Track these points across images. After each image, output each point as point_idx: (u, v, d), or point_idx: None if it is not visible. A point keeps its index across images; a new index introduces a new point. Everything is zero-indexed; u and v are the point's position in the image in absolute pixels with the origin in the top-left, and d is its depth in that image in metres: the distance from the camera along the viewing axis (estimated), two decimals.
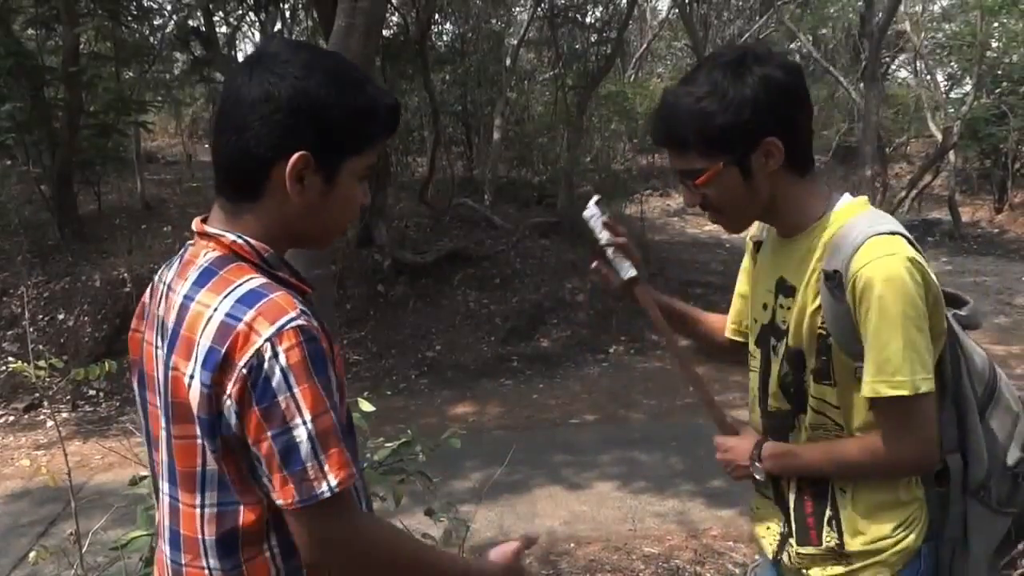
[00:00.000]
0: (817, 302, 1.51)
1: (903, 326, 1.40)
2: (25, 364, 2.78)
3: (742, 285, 1.86)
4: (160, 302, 1.28)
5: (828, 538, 1.59)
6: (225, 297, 1.15)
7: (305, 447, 1.09)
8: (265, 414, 1.09)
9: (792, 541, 1.67)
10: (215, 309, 1.14)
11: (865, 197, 1.60)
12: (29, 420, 6.80)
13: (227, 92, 1.21)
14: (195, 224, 1.27)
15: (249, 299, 1.14)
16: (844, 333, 1.47)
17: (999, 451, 1.59)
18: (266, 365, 1.09)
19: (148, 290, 1.39)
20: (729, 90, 1.45)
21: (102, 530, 2.79)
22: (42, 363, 2.79)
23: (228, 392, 1.10)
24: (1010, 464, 1.60)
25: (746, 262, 1.84)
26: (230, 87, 1.21)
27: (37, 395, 6.77)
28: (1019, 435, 1.61)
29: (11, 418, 6.82)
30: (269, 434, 1.09)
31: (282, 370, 1.09)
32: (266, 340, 1.10)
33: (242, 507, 1.17)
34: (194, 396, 1.14)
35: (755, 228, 1.79)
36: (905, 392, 1.41)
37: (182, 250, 1.30)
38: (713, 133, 1.47)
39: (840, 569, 1.59)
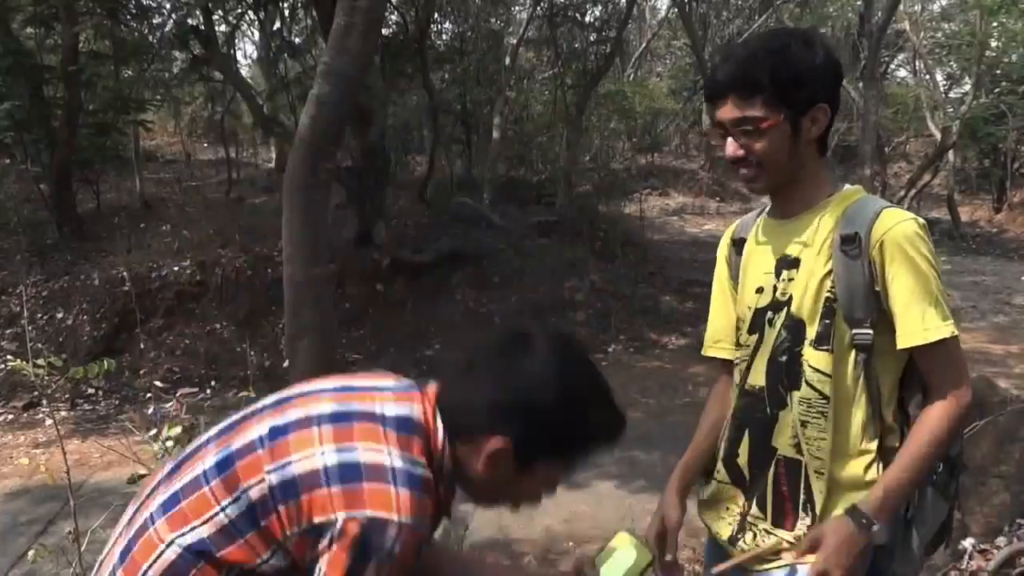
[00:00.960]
0: (828, 267, 1.58)
1: (934, 278, 1.54)
2: (24, 363, 2.78)
3: (718, 298, 1.87)
4: (321, 385, 1.34)
5: (801, 526, 1.61)
6: (342, 451, 1.18)
7: None
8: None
9: (760, 522, 1.68)
10: (324, 453, 1.18)
11: (860, 186, 1.72)
12: (28, 419, 6.79)
13: (489, 344, 1.34)
14: (431, 393, 1.33)
15: (352, 472, 1.17)
16: (854, 296, 1.56)
17: None
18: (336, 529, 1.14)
19: None
20: (806, 50, 1.55)
21: (101, 529, 2.78)
22: (41, 362, 2.79)
23: (288, 533, 1.17)
24: (951, 455, 1.65)
25: (721, 271, 1.87)
26: (492, 344, 1.34)
27: (36, 393, 6.76)
28: None
29: (10, 416, 6.81)
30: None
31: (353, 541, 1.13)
32: (345, 519, 1.13)
33: (202, 564, 1.19)
34: (255, 489, 1.18)
35: (729, 238, 1.86)
36: (948, 335, 1.53)
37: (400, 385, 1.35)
38: (788, 82, 1.53)
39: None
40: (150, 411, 6.22)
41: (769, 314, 1.68)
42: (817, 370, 1.59)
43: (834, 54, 1.60)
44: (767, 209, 1.78)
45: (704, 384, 7.22)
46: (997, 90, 14.87)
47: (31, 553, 2.68)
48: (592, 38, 13.64)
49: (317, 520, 1.14)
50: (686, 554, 4.22)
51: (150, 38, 11.25)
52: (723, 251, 1.87)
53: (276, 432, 1.23)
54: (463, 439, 1.27)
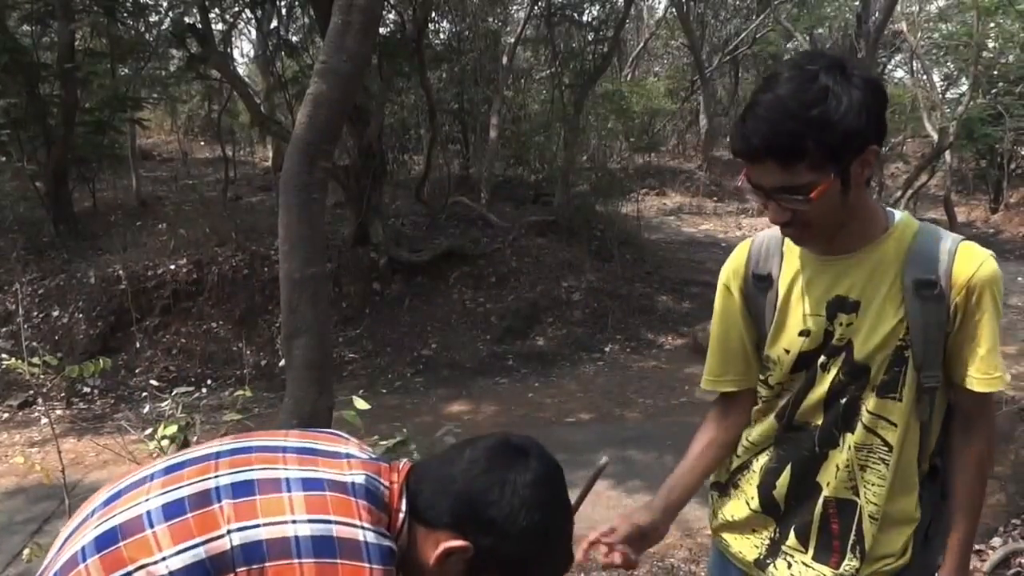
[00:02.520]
0: (900, 314, 1.50)
1: (999, 324, 1.52)
2: (19, 361, 2.77)
3: (728, 333, 1.72)
4: (283, 442, 1.30)
5: (847, 567, 1.60)
6: (316, 522, 1.14)
7: None
8: None
9: (799, 554, 1.66)
10: (295, 522, 1.13)
11: (906, 212, 1.62)
12: (23, 417, 6.78)
13: (480, 446, 1.30)
14: (402, 474, 1.30)
15: (326, 547, 1.13)
16: (929, 341, 1.50)
17: None
18: None
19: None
20: (845, 93, 1.35)
21: None
22: (36, 360, 2.79)
23: None
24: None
25: (730, 303, 1.71)
26: (483, 447, 1.30)
27: (31, 392, 6.75)
28: None
29: (5, 415, 6.80)
30: None
31: None
32: None
33: None
34: (211, 545, 1.11)
35: (739, 270, 1.69)
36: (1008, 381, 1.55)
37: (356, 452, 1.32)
38: (836, 141, 1.36)
39: None
40: (146, 410, 6.23)
41: (822, 358, 1.58)
42: (882, 417, 1.55)
43: (875, 80, 1.41)
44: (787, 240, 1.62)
45: (700, 383, 7.21)
46: (994, 91, 14.88)
47: (26, 552, 2.68)
48: (590, 38, 13.64)
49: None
50: (682, 554, 4.23)
51: (147, 36, 11.25)
52: (735, 283, 1.69)
53: (240, 489, 1.16)
54: (422, 523, 1.25)
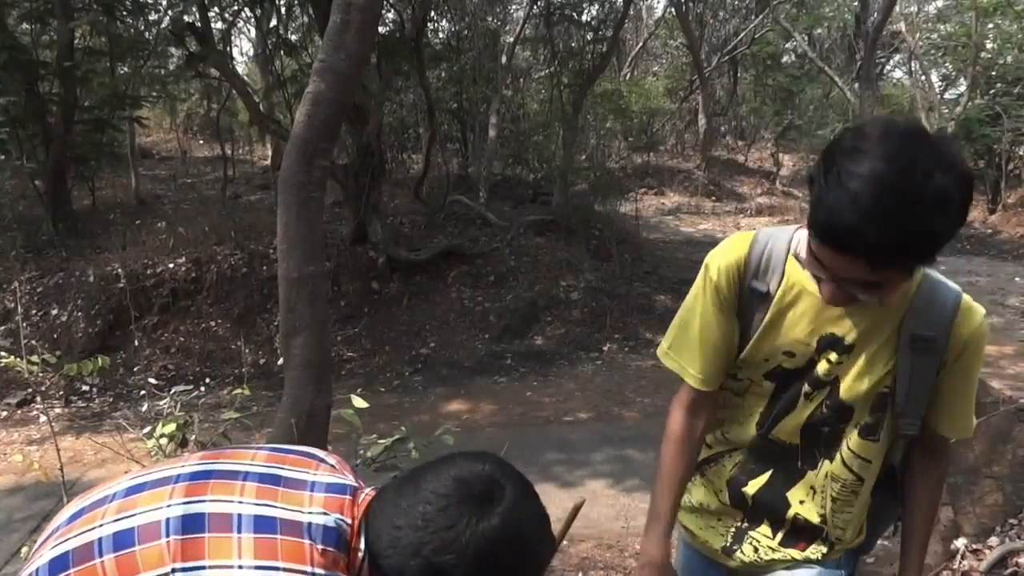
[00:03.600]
0: (890, 365, 1.52)
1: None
2: (18, 359, 2.77)
3: (710, 331, 1.63)
4: (247, 466, 1.24)
5: (814, 551, 1.69)
6: (263, 569, 1.09)
7: None
8: None
9: (767, 539, 1.71)
10: (241, 567, 1.09)
11: None
12: (22, 415, 6.78)
13: (448, 476, 1.20)
14: (357, 503, 1.23)
15: None
16: (915, 391, 1.52)
17: None
18: None
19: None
20: (952, 192, 1.21)
21: None
22: (35, 358, 2.79)
23: None
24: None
25: (717, 303, 1.62)
26: (452, 478, 1.19)
27: (30, 390, 6.76)
28: None
29: (4, 413, 6.80)
30: None
31: None
32: None
33: None
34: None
35: (736, 263, 1.59)
36: None
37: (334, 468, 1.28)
38: (936, 251, 1.27)
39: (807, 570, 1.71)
40: (144, 408, 6.23)
41: (806, 387, 1.58)
42: (860, 456, 1.60)
43: (967, 172, 1.25)
44: (800, 259, 1.53)
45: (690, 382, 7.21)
46: (992, 91, 14.90)
47: (25, 550, 2.68)
48: (589, 37, 13.64)
49: None
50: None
51: (146, 34, 11.24)
52: (727, 282, 1.60)
53: (190, 524, 1.11)
54: (379, 571, 1.18)
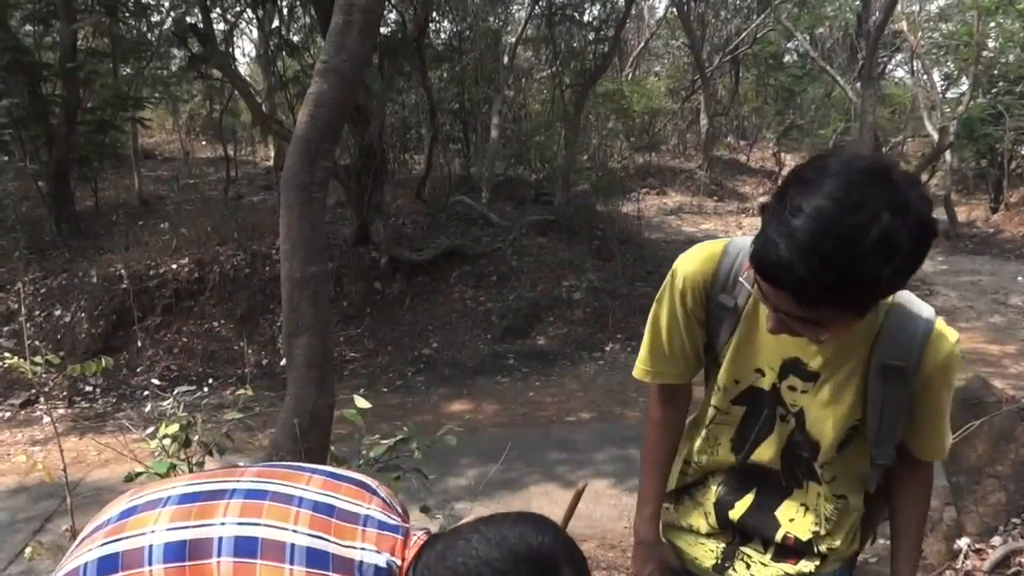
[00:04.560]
0: (858, 395, 1.48)
1: None
2: (21, 360, 2.78)
3: (673, 335, 1.62)
4: (300, 491, 1.22)
5: (807, 564, 1.67)
6: None
7: None
8: None
9: (760, 555, 1.70)
10: None
11: None
12: (25, 416, 6.79)
13: (473, 539, 1.16)
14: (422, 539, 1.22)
15: None
16: (889, 422, 1.48)
17: None
18: None
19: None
20: (901, 242, 1.13)
21: None
22: (38, 359, 2.80)
23: None
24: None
25: (682, 312, 1.58)
26: (506, 550, 1.14)
27: (33, 391, 6.77)
28: None
29: (7, 414, 6.82)
30: None
31: None
32: None
33: None
34: None
35: (704, 275, 1.54)
36: None
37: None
38: (875, 296, 1.24)
39: None
40: (147, 409, 6.23)
41: (780, 410, 1.56)
42: (835, 478, 1.61)
43: (929, 220, 1.18)
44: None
45: (700, 384, 7.22)
46: (994, 90, 14.88)
47: (28, 550, 2.69)
48: (590, 37, 13.64)
49: None
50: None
51: (148, 36, 11.27)
52: (693, 294, 1.56)
53: (243, 547, 1.10)
54: None
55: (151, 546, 1.10)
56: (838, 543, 1.64)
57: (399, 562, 1.16)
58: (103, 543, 1.14)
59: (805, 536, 1.63)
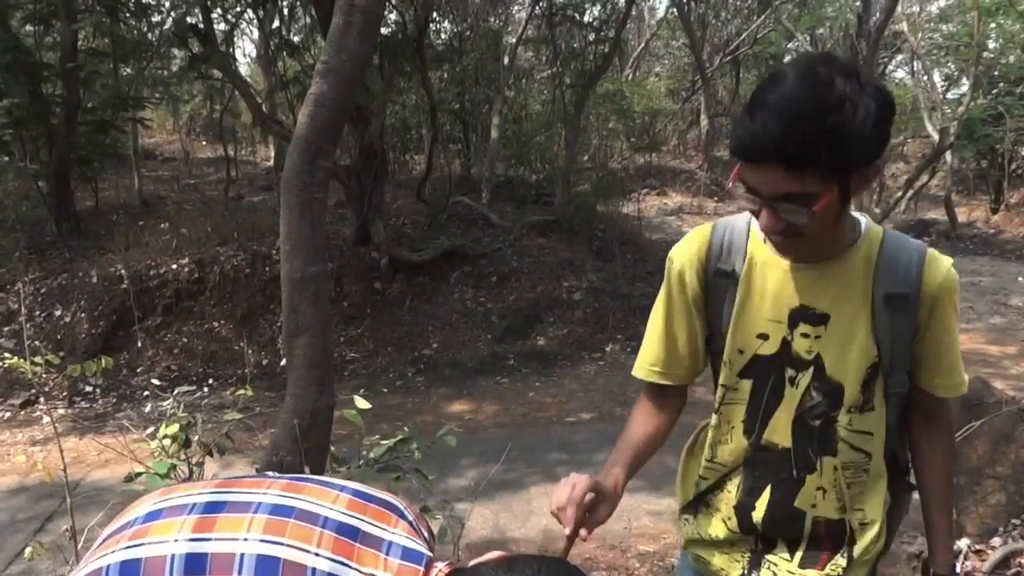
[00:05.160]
0: (871, 330, 1.49)
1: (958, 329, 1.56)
2: (22, 360, 2.78)
3: (669, 323, 1.65)
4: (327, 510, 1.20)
5: (833, 568, 1.62)
6: None
7: None
8: None
9: (784, 563, 1.65)
10: None
11: (866, 215, 1.58)
12: (25, 416, 6.80)
13: None
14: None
15: None
16: (898, 352, 1.51)
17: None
18: None
19: None
20: (861, 104, 1.25)
21: (98, 526, 2.79)
22: (39, 359, 2.80)
23: None
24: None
25: (682, 294, 1.62)
26: None
27: (33, 391, 6.77)
28: None
29: (7, 414, 6.82)
30: None
31: None
32: None
33: None
34: None
35: (699, 261, 1.59)
36: None
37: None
38: (847, 151, 1.27)
39: None
40: (147, 409, 6.24)
41: (790, 372, 1.54)
42: (860, 432, 1.55)
43: (884, 90, 1.31)
44: (760, 237, 1.54)
45: (700, 384, 7.22)
46: (995, 91, 14.88)
47: (28, 550, 2.68)
48: (591, 38, 13.64)
49: None
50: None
51: (149, 36, 11.26)
52: (692, 272, 1.60)
53: (264, 567, 1.08)
54: None
55: (173, 555, 1.09)
56: (869, 514, 1.60)
57: None
58: (127, 546, 1.13)
59: (834, 515, 1.60)
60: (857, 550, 1.61)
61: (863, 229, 1.51)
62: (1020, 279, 11.16)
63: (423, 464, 2.79)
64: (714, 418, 1.68)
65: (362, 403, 2.81)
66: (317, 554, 1.11)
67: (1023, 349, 7.92)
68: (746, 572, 1.68)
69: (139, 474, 2.67)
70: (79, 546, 2.64)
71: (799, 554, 1.63)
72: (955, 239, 14.12)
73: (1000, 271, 11.81)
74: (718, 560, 1.72)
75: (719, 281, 1.58)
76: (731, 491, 1.68)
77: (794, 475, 1.59)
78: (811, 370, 1.52)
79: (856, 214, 1.52)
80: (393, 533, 1.20)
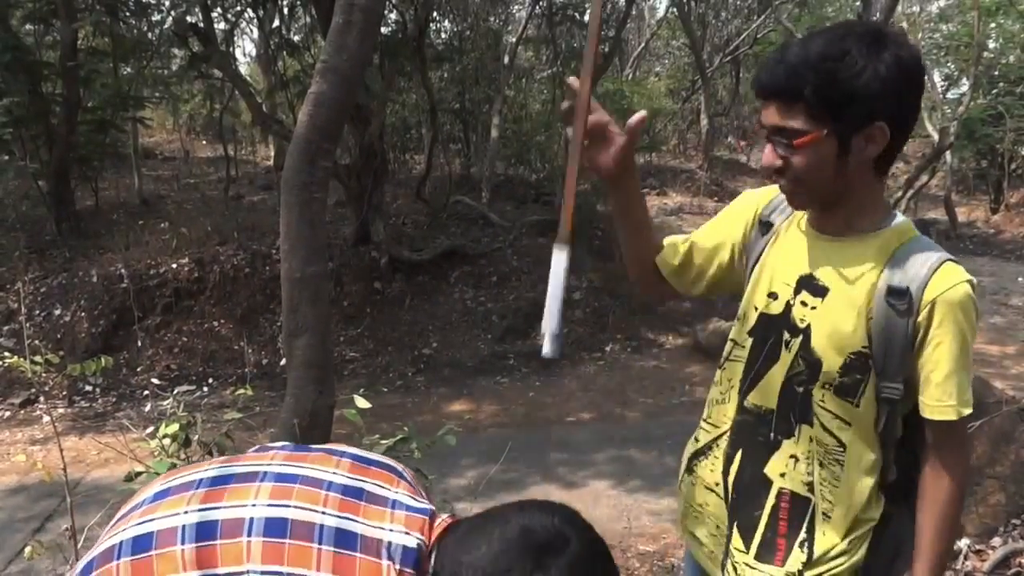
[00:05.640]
0: (864, 318, 1.47)
1: (970, 353, 1.46)
2: (21, 359, 2.78)
3: (707, 236, 1.77)
4: (330, 474, 1.25)
5: (793, 564, 1.57)
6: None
7: None
8: None
9: (741, 555, 1.63)
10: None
11: (909, 220, 1.57)
12: (25, 415, 6.79)
13: (519, 528, 1.19)
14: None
15: None
16: (891, 352, 1.46)
17: None
18: None
19: None
20: (862, 59, 1.37)
21: (98, 525, 2.79)
22: (38, 358, 2.80)
23: None
24: None
25: (734, 226, 1.74)
26: (522, 529, 1.17)
27: (33, 390, 6.77)
28: None
29: (7, 413, 6.82)
30: None
31: None
32: None
33: None
34: None
35: (759, 206, 1.72)
36: (970, 411, 1.47)
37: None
38: (833, 95, 1.37)
39: None
40: (147, 408, 6.24)
41: (786, 335, 1.57)
42: (837, 416, 1.53)
43: (909, 63, 1.39)
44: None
45: (701, 384, 7.25)
46: (995, 91, 14.88)
47: (28, 550, 2.68)
48: None
49: None
50: (682, 554, 4.23)
51: (149, 35, 11.26)
52: (746, 215, 1.73)
53: (273, 527, 1.12)
54: None
55: (184, 526, 1.13)
56: (837, 512, 1.54)
57: (427, 541, 1.19)
58: (138, 523, 1.16)
59: (801, 489, 1.56)
60: (818, 548, 1.56)
61: (895, 222, 1.53)
62: (1020, 279, 11.16)
63: (423, 464, 2.79)
64: (718, 373, 1.72)
65: (362, 403, 2.81)
66: (324, 512, 1.15)
67: (1023, 349, 7.93)
68: (721, 558, 1.69)
69: (139, 473, 2.67)
70: (79, 545, 2.64)
71: (755, 543, 1.61)
72: (955, 239, 14.11)
73: (1000, 271, 11.81)
74: (700, 542, 1.75)
75: (762, 230, 1.69)
76: (719, 458, 1.70)
77: (771, 438, 1.59)
78: (800, 338, 1.55)
79: (904, 219, 1.54)
80: (396, 492, 1.25)
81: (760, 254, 1.67)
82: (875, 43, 1.38)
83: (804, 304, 1.54)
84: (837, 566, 1.56)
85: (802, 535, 1.57)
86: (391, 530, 1.17)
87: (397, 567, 1.14)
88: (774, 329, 1.59)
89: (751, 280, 1.66)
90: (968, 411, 1.46)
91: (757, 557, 1.60)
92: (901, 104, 1.41)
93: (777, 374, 1.58)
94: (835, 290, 1.51)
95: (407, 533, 1.18)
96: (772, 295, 1.60)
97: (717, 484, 1.69)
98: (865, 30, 1.40)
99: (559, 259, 1.45)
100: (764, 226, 1.69)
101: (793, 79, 1.39)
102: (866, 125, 1.39)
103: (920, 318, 1.44)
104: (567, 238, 1.47)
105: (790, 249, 1.60)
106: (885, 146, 1.43)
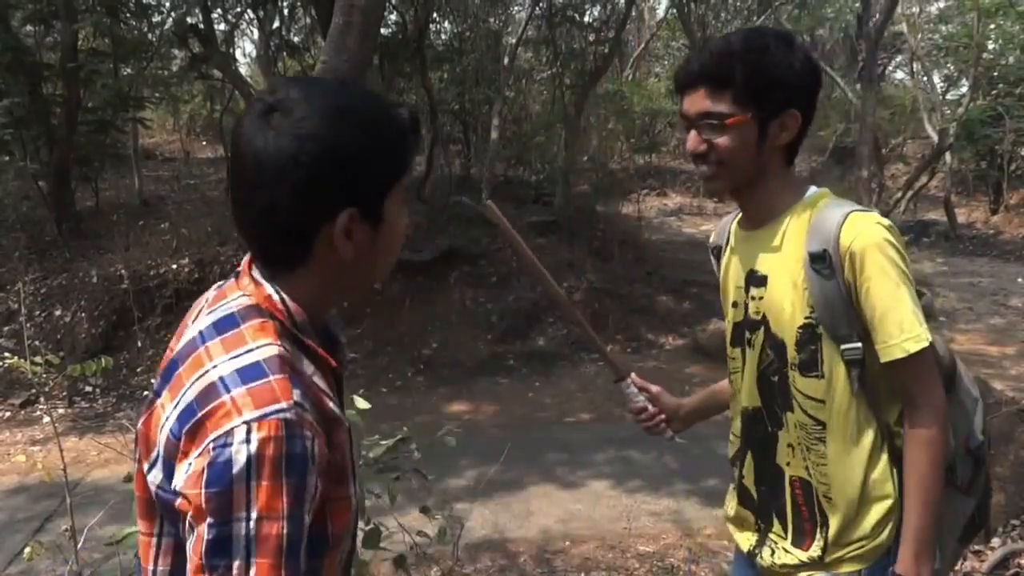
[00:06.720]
0: (803, 288, 1.53)
1: (906, 284, 1.47)
2: (21, 360, 2.78)
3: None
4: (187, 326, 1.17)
5: (815, 549, 1.61)
6: (230, 359, 1.02)
7: (237, 545, 0.93)
8: (212, 499, 0.93)
9: (781, 540, 1.69)
10: (215, 366, 1.01)
11: (826, 189, 1.65)
12: (25, 416, 6.80)
13: (242, 151, 1.05)
14: (244, 263, 1.18)
15: (248, 373, 0.99)
16: (835, 315, 1.51)
17: (960, 434, 1.61)
18: (233, 448, 0.94)
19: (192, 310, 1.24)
20: (780, 52, 1.52)
21: (98, 526, 2.79)
22: (39, 359, 2.80)
23: (190, 459, 0.97)
24: (972, 448, 1.63)
25: (721, 280, 1.84)
26: (244, 146, 1.05)
27: (33, 391, 6.77)
28: (979, 419, 1.64)
29: (7, 414, 6.82)
30: (207, 521, 0.93)
31: (248, 459, 0.93)
32: (243, 422, 0.95)
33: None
34: (161, 436, 1.03)
35: (711, 245, 1.86)
36: (927, 343, 1.46)
37: (223, 282, 1.19)
38: (758, 82, 1.51)
39: (820, 574, 1.62)
40: None
41: (747, 333, 1.66)
42: (809, 397, 1.56)
43: (814, 61, 1.58)
44: (739, 216, 1.74)
45: (701, 384, 7.25)
46: (994, 92, 14.88)
47: (27, 550, 2.68)
48: (591, 38, 13.64)
49: (211, 436, 0.98)
50: (681, 554, 4.24)
51: (149, 36, 11.28)
52: (712, 256, 1.88)
53: (164, 377, 1.08)
54: (303, 265, 1.10)
55: (202, 332, 1.10)
56: (834, 492, 1.56)
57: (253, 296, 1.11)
58: (210, 311, 1.13)
59: (803, 474, 1.62)
60: (831, 532, 1.59)
61: (808, 194, 1.61)
62: (1019, 280, 11.17)
63: (423, 464, 2.80)
64: (730, 388, 1.80)
65: (362, 403, 2.81)
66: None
67: (1022, 350, 7.93)
68: (754, 547, 1.75)
69: None
70: (79, 546, 2.64)
71: (790, 529, 1.67)
72: (954, 240, 14.13)
73: (999, 272, 11.82)
74: (739, 536, 1.81)
75: (715, 258, 1.84)
76: (741, 462, 1.78)
77: (769, 431, 1.67)
78: (762, 329, 1.62)
79: (820, 190, 1.63)
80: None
81: (719, 277, 1.81)
82: (788, 42, 1.55)
83: (755, 298, 1.64)
84: (857, 548, 1.58)
85: (818, 518, 1.62)
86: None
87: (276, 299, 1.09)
88: (742, 332, 1.69)
89: (722, 300, 1.78)
90: (918, 346, 1.45)
91: (793, 543, 1.66)
92: (810, 96, 1.57)
93: (750, 373, 1.67)
94: (773, 275, 1.60)
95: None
96: (734, 304, 1.71)
97: (732, 494, 1.82)
98: (777, 32, 1.58)
99: (631, 390, 1.96)
100: (716, 253, 1.84)
101: (724, 66, 1.51)
102: (782, 111, 1.53)
103: (845, 274, 1.48)
104: (625, 373, 1.95)
105: (734, 258, 1.72)
106: (795, 135, 1.56)
